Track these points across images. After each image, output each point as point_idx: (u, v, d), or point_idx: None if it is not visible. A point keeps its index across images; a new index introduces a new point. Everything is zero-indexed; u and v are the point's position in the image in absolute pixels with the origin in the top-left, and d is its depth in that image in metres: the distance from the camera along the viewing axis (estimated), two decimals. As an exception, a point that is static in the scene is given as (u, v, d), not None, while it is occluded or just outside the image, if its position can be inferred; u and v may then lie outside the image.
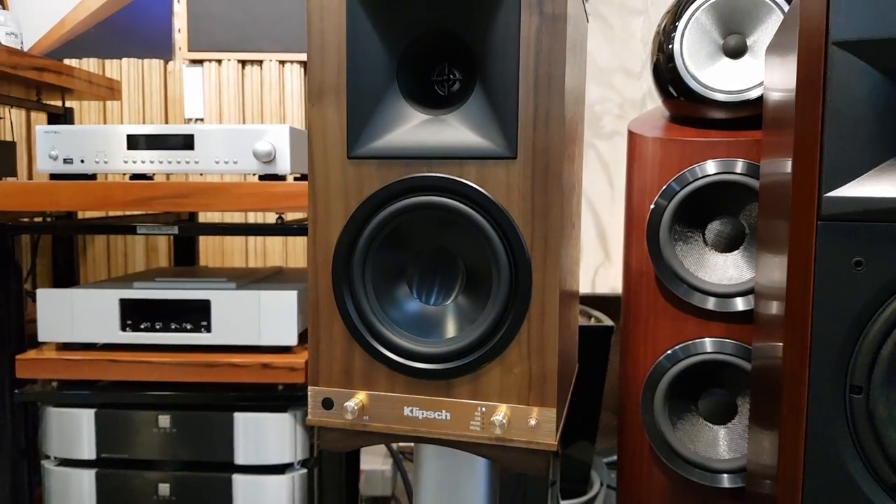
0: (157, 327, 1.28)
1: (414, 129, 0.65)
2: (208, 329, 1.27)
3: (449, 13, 0.63)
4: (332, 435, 0.69)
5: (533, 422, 0.63)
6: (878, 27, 0.68)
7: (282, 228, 1.31)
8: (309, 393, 0.68)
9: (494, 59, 0.61)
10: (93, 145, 1.26)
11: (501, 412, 0.63)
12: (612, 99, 2.16)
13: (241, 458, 1.28)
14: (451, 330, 0.66)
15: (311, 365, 0.69)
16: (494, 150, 0.62)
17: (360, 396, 0.67)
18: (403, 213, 0.64)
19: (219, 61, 2.05)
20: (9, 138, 2.00)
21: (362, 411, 0.67)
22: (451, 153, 0.63)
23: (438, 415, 0.65)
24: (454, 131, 0.63)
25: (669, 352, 1.20)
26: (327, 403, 0.68)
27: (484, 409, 0.64)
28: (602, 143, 2.17)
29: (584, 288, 2.20)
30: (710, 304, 1.14)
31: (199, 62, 2.06)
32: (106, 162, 1.26)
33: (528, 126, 0.61)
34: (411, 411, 0.66)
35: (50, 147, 1.26)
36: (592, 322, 1.90)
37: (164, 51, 2.07)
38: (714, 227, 1.19)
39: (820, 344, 0.73)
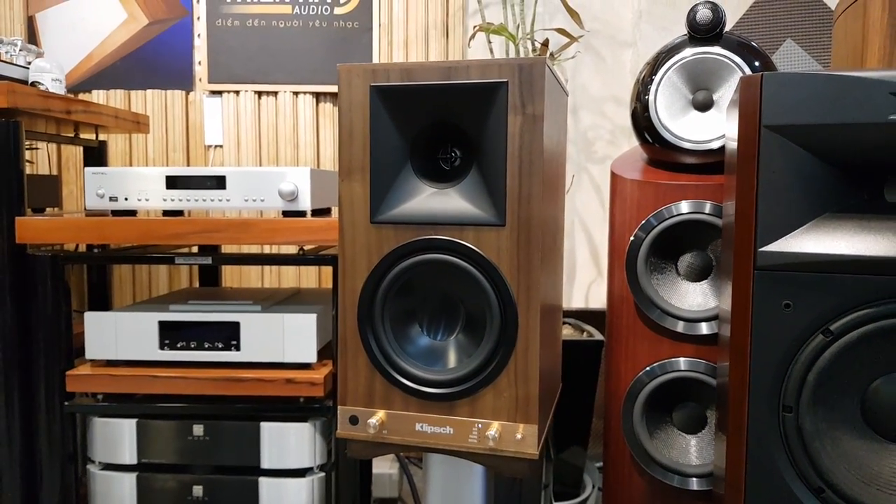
0: (192, 346, 1.43)
1: (424, 199, 0.81)
2: (238, 348, 1.42)
3: (451, 109, 0.79)
4: (357, 445, 0.85)
5: (519, 436, 0.79)
6: (800, 114, 0.84)
7: (303, 259, 1.46)
8: (338, 411, 0.84)
9: (487, 147, 0.77)
10: (136, 185, 1.42)
11: (494, 428, 0.79)
12: (604, 126, 2.31)
13: (266, 463, 1.43)
14: (453, 361, 0.82)
15: (339, 388, 0.84)
16: (488, 218, 0.78)
17: (380, 414, 0.83)
18: (415, 267, 0.80)
19: (237, 92, 2.20)
20: (44, 171, 2.16)
21: (382, 426, 0.83)
22: (453, 220, 0.79)
23: (443, 430, 0.81)
24: (455, 203, 0.79)
25: (648, 368, 1.35)
26: (353, 420, 0.84)
27: (480, 425, 0.80)
28: (594, 167, 2.32)
29: (578, 303, 2.34)
30: (680, 327, 1.29)
31: (219, 93, 2.21)
32: (147, 199, 1.42)
33: (514, 201, 0.77)
34: (421, 427, 0.82)
35: (97, 186, 1.42)
36: (585, 336, 2.05)
37: (186, 82, 2.22)
38: (686, 259, 1.34)
39: (757, 371, 0.88)
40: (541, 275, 0.78)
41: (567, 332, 2.10)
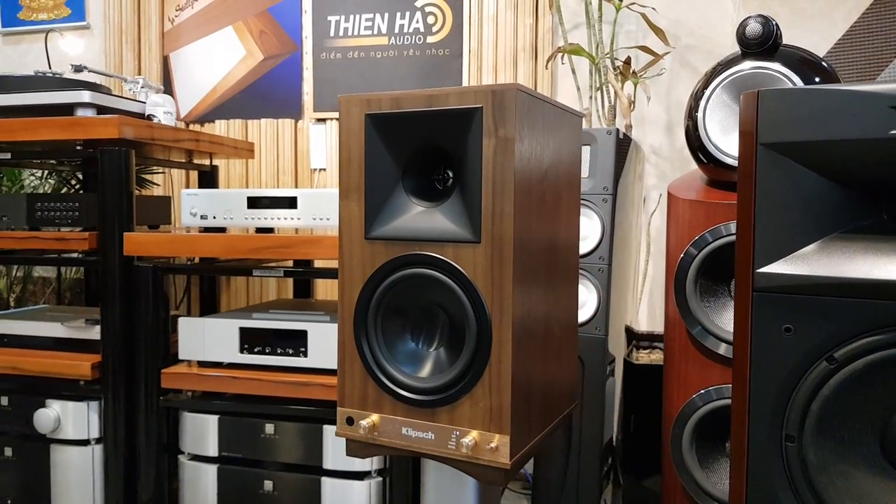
0: (267, 351, 1.57)
1: (411, 217, 0.87)
2: (305, 354, 1.54)
3: (436, 135, 0.84)
4: (354, 444, 0.91)
5: (493, 445, 0.82)
6: (797, 131, 0.81)
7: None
8: (337, 412, 0.91)
9: (467, 168, 0.82)
10: (222, 205, 1.59)
11: (471, 436, 0.83)
12: (700, 143, 2.23)
13: (328, 464, 1.53)
14: (436, 370, 0.87)
15: (338, 391, 0.91)
16: (465, 236, 0.82)
17: (373, 417, 0.89)
18: (402, 281, 0.86)
19: (339, 120, 2.37)
20: (167, 193, 2.44)
21: (373, 428, 0.89)
22: (436, 237, 0.84)
23: (426, 435, 0.86)
24: (438, 221, 0.85)
25: (703, 392, 1.31)
26: (349, 421, 0.90)
27: (458, 432, 0.84)
28: (690, 186, 2.24)
29: (657, 326, 2.27)
30: (722, 349, 1.24)
31: (323, 120, 2.40)
32: (232, 218, 1.59)
33: (488, 220, 0.81)
34: (407, 431, 0.87)
35: (191, 206, 1.61)
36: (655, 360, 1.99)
37: (295, 111, 2.43)
38: (739, 281, 1.29)
39: (757, 396, 0.85)
40: (516, 290, 0.81)
41: (655, 357, 2.05)
